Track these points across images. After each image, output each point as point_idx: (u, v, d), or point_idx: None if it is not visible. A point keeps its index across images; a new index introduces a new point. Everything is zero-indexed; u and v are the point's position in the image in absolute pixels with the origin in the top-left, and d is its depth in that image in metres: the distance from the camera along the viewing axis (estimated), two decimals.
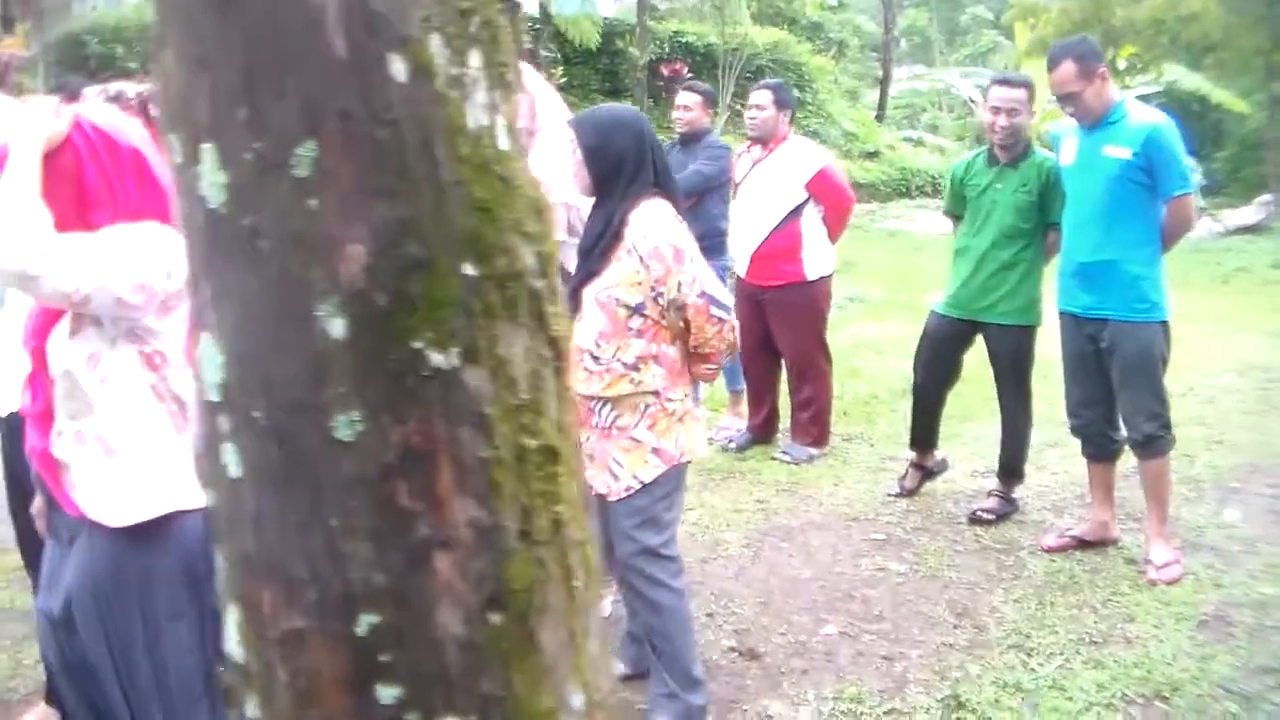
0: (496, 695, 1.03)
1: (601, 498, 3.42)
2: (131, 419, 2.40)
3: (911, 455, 5.54)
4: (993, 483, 5.37)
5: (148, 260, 2.34)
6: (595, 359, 3.30)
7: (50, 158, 2.32)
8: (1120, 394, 4.56)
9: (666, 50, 18.82)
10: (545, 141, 3.87)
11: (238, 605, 1.07)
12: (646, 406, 3.32)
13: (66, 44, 13.68)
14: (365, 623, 0.99)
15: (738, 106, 17.35)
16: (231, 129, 0.97)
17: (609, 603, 4.14)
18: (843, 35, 25.99)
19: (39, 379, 2.43)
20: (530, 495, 1.03)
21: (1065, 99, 4.56)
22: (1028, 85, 5.13)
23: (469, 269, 0.98)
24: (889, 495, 5.46)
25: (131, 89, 4.23)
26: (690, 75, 17.45)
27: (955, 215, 5.35)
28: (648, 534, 3.34)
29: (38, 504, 2.77)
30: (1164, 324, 4.52)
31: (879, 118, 25.38)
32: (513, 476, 1.01)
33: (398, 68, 0.96)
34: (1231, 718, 3.45)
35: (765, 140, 5.91)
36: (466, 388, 0.99)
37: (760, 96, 5.91)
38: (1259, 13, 14.40)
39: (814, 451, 6.07)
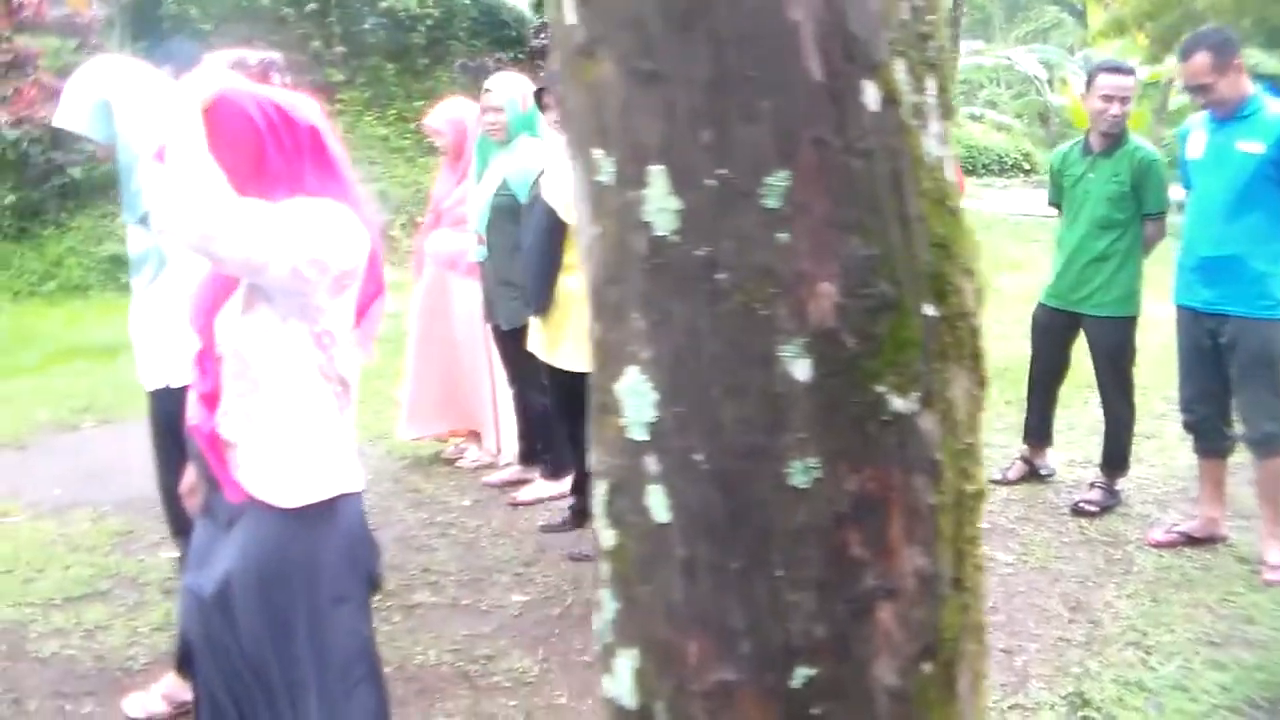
0: None
1: None
2: (300, 399, 2.35)
3: (1023, 449, 5.49)
4: (1090, 473, 5.32)
5: (325, 235, 2.29)
6: None
7: (230, 134, 2.27)
8: (1238, 391, 4.49)
9: None
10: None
11: (645, 653, 1.02)
12: None
13: (143, 4, 13.55)
14: (801, 676, 0.95)
15: None
16: (690, 152, 0.91)
17: None
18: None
19: (206, 357, 2.38)
20: (962, 541, 0.99)
21: (1198, 90, 4.46)
22: (1134, 72, 5.04)
23: (929, 309, 0.94)
24: (990, 483, 5.41)
25: (253, 56, 4.22)
26: None
27: (1057, 205, 5.28)
28: None
29: (188, 482, 2.73)
30: None
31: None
32: (952, 522, 0.97)
33: (870, 95, 0.91)
34: None
35: None
36: (921, 433, 0.94)
37: None
38: None
39: None
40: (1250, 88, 4.47)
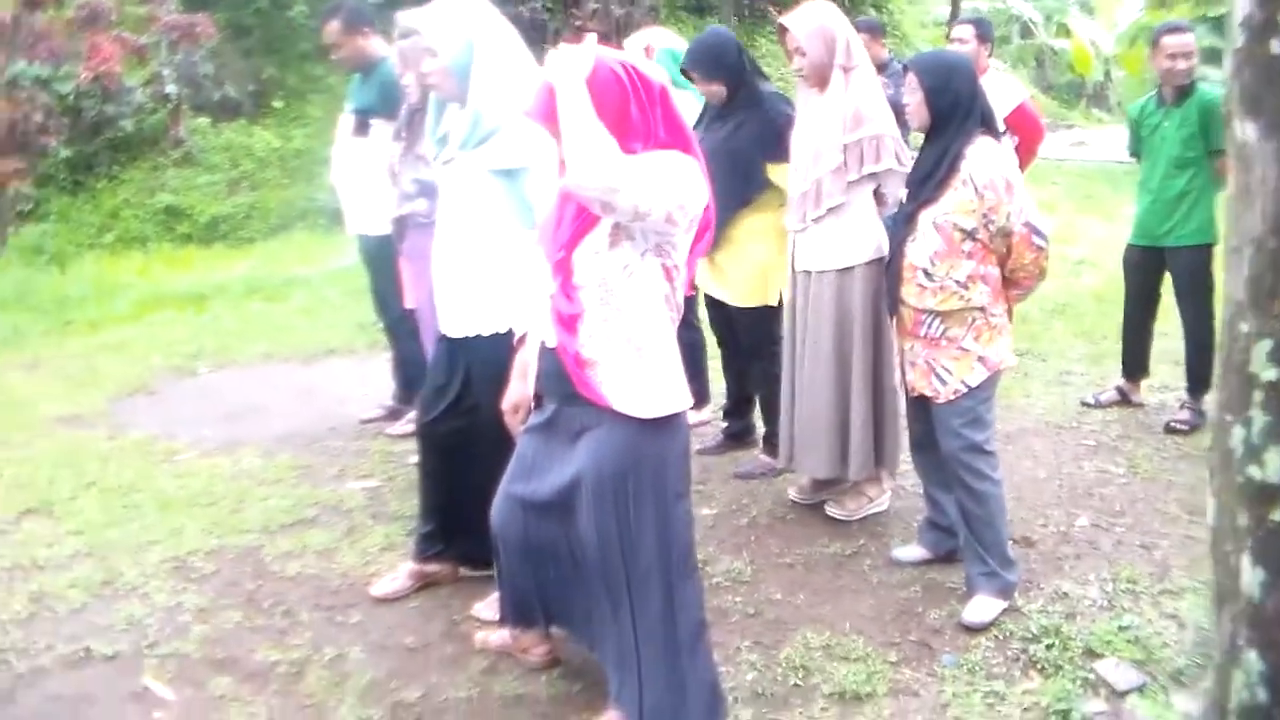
0: None
1: (920, 399, 3.85)
2: (654, 324, 2.79)
3: (1120, 382, 6.01)
4: (1171, 397, 5.83)
5: (687, 183, 2.72)
6: (929, 276, 3.70)
7: (603, 94, 2.67)
8: None
9: None
10: (862, 78, 4.22)
11: None
12: (974, 320, 3.73)
13: None
14: None
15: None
16: None
17: (886, 499, 4.60)
18: None
19: (566, 286, 2.80)
20: None
21: None
22: (1193, 29, 5.49)
23: None
24: (1083, 405, 5.92)
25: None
26: None
27: (1136, 155, 5.79)
28: (975, 432, 3.77)
29: (516, 398, 3.15)
30: None
31: (948, 38, 25.06)
32: None
33: None
34: None
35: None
36: None
37: (962, 31, 6.18)
38: None
39: None
40: None
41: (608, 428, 2.79)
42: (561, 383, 2.83)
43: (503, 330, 3.51)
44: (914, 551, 4.20)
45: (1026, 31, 26.59)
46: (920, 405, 3.93)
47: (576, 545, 2.92)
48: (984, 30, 6.22)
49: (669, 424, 2.83)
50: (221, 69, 13.13)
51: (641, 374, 2.77)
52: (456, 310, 3.62)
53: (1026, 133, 6.23)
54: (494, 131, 3.44)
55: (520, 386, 3.10)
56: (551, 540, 2.98)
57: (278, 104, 13.60)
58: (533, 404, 3.08)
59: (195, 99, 12.86)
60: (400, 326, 5.65)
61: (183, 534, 4.59)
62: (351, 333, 7.99)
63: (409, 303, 4.98)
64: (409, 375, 5.86)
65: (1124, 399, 5.96)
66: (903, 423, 4.35)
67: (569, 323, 2.78)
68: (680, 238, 2.77)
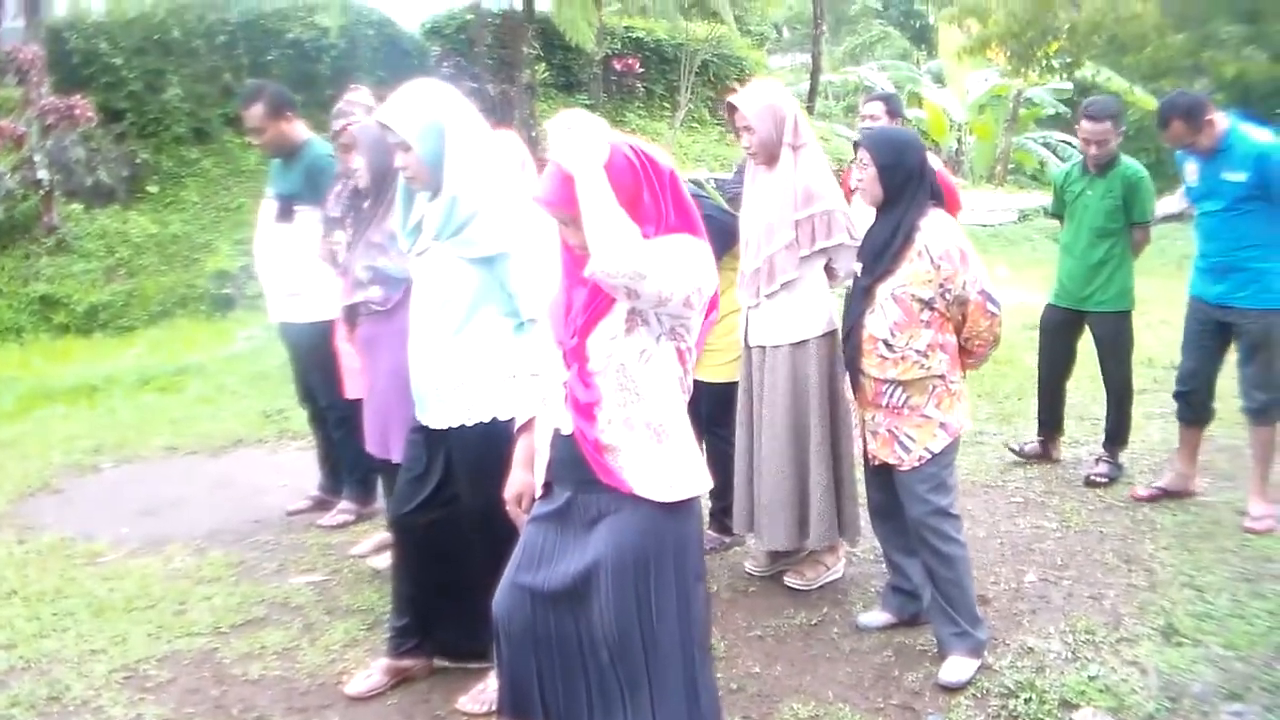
0: None
1: (881, 467, 3.96)
2: (670, 407, 2.81)
3: (1034, 441, 6.27)
4: (1084, 451, 6.11)
5: (702, 267, 2.76)
6: (890, 347, 3.83)
7: (616, 179, 2.68)
8: (1242, 367, 5.25)
9: (619, 45, 18.80)
10: (810, 155, 4.36)
11: None
12: (934, 388, 3.86)
13: (53, 41, 13.30)
14: None
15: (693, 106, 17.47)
16: None
17: (841, 565, 4.69)
18: (762, 27, 26.37)
19: (582, 372, 2.78)
20: None
21: (1183, 148, 5.23)
22: (1113, 116, 5.77)
23: None
24: (1009, 450, 6.20)
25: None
26: (642, 70, 17.67)
27: (1058, 216, 6.09)
28: (939, 496, 3.88)
29: (519, 487, 3.12)
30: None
31: (810, 110, 25.81)
32: None
33: None
34: None
35: None
36: None
37: (873, 107, 6.35)
38: (1193, 14, 15.44)
39: None
40: (1224, 125, 5.20)
41: (628, 513, 2.77)
42: (578, 469, 2.81)
43: (486, 420, 3.51)
44: (879, 617, 4.28)
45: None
46: (881, 473, 4.03)
47: (586, 635, 2.86)
48: (894, 105, 6.42)
49: (688, 506, 2.84)
50: (93, 154, 12.80)
51: (661, 458, 2.77)
52: (437, 401, 3.58)
53: (948, 201, 6.48)
54: (470, 219, 3.43)
55: (523, 475, 3.06)
56: (559, 631, 2.90)
57: (152, 189, 13.30)
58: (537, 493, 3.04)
59: (67, 184, 12.49)
60: (329, 414, 5.56)
61: (127, 641, 4.40)
62: (257, 421, 7.81)
63: (351, 392, 4.91)
64: (336, 465, 5.77)
65: (1045, 452, 6.19)
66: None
67: (586, 410, 2.77)
68: (695, 320, 2.80)
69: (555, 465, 2.89)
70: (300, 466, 6.57)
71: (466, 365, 3.51)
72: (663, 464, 2.77)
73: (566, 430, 2.82)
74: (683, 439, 2.82)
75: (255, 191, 13.42)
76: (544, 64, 16.29)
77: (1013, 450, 6.24)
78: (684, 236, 2.76)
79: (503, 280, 3.47)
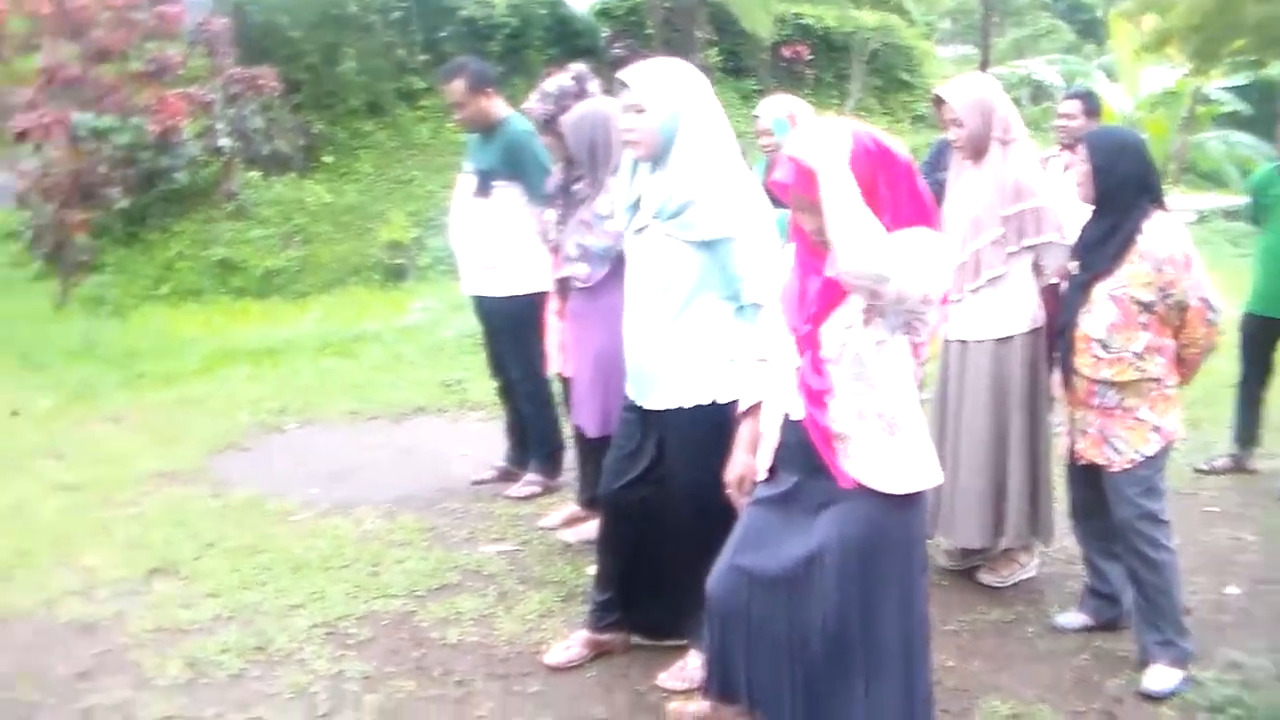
0: None
1: (1087, 467, 3.88)
2: (905, 400, 2.81)
3: (1233, 449, 6.07)
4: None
5: (942, 263, 2.74)
6: (1105, 347, 3.75)
7: (857, 170, 2.66)
8: None
9: (788, 32, 18.51)
10: (1020, 150, 4.29)
11: None
12: (1150, 391, 3.77)
13: (231, 15, 13.73)
14: None
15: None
16: None
17: (1035, 564, 4.62)
18: (930, 16, 25.82)
19: (814, 360, 2.79)
20: None
21: None
22: None
23: None
24: (1197, 471, 5.98)
25: (571, 69, 4.65)
26: (810, 57, 17.50)
27: (1255, 221, 5.87)
28: (1150, 501, 3.80)
29: (741, 470, 3.14)
30: None
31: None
32: None
33: None
34: None
35: (1076, 145, 6.27)
36: None
37: (1070, 106, 6.23)
38: None
39: None
40: None
41: (855, 503, 2.77)
42: (807, 455, 2.81)
43: (704, 402, 3.53)
44: (1076, 619, 4.21)
45: (1039, 95, 26.78)
46: (1086, 473, 3.96)
47: (799, 624, 2.86)
48: (1091, 104, 6.27)
49: (915, 499, 2.84)
50: (272, 124, 13.22)
51: (892, 450, 2.77)
52: (654, 382, 3.61)
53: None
54: (691, 202, 3.43)
55: (746, 459, 3.07)
56: (771, 617, 2.92)
57: (327, 159, 13.70)
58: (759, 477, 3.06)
59: (246, 152, 12.93)
60: (519, 388, 5.67)
61: (325, 598, 4.56)
62: (437, 391, 7.98)
63: (556, 367, 5.01)
64: (524, 438, 5.88)
65: (1238, 466, 5.99)
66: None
67: (817, 397, 2.77)
68: (931, 315, 2.79)
69: (782, 450, 2.90)
70: (482, 437, 6.69)
71: (686, 349, 3.51)
72: (893, 456, 2.77)
73: (796, 416, 2.83)
74: (915, 431, 2.82)
75: (427, 165, 13.88)
76: (714, 48, 16.23)
77: (1202, 470, 6.01)
78: (922, 230, 2.74)
79: (724, 264, 3.46)
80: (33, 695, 3.88)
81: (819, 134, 2.69)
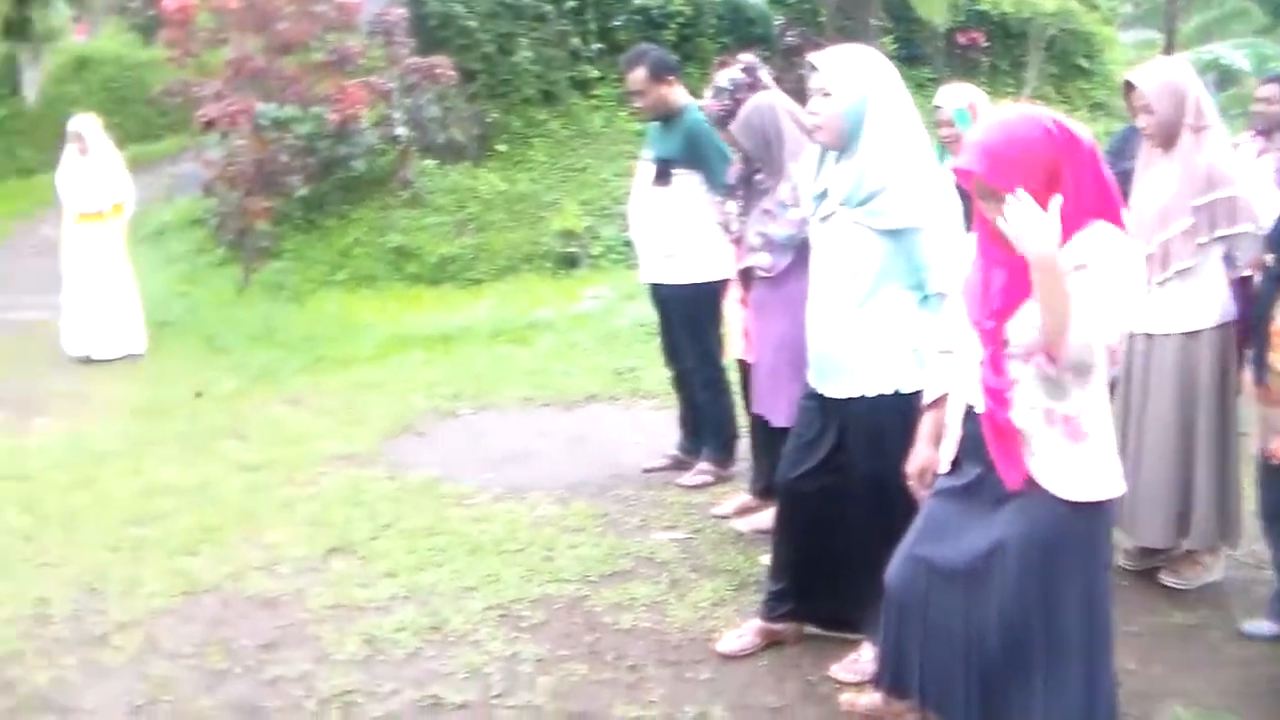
0: None
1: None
2: (1097, 405, 2.69)
3: None
4: None
5: (1129, 283, 2.61)
6: None
7: (1034, 150, 2.58)
8: None
9: (963, 19, 17.88)
10: (1214, 137, 4.08)
11: None
12: None
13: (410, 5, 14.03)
14: None
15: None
16: None
17: (1220, 568, 4.42)
18: (1113, 1, 24.84)
19: (997, 356, 2.70)
20: None
21: None
22: None
23: None
24: None
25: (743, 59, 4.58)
26: (986, 44, 17.03)
27: None
28: None
29: (923, 462, 3.05)
30: None
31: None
32: None
33: None
34: None
35: (1272, 132, 5.95)
36: None
37: (1269, 90, 5.92)
38: None
39: None
40: None
41: (1039, 498, 2.70)
42: (984, 449, 2.76)
43: (887, 392, 3.46)
44: (1267, 626, 4.01)
45: (1225, 80, 25.58)
46: (1278, 474, 3.77)
47: (977, 619, 2.80)
48: None
49: (1102, 505, 2.74)
50: (447, 112, 13.45)
51: (1075, 455, 2.68)
52: (837, 370, 3.56)
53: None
54: (880, 190, 3.38)
55: (928, 450, 3.01)
56: (949, 610, 2.85)
57: (501, 147, 13.86)
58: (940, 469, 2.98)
59: (421, 141, 13.19)
60: (695, 376, 5.66)
61: (500, 581, 4.61)
62: (610, 379, 8.01)
63: (736, 353, 4.97)
64: (697, 426, 5.85)
65: None
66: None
67: (998, 393, 2.70)
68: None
69: (966, 441, 2.84)
70: (654, 425, 6.68)
71: (870, 337, 3.47)
72: (1075, 462, 2.68)
73: (980, 408, 2.76)
74: (1102, 439, 2.71)
75: (600, 154, 13.95)
76: (888, 35, 15.88)
77: None
78: (1102, 226, 2.62)
79: (910, 253, 3.41)
80: (221, 664, 4.04)
81: (1035, 224, 2.51)
